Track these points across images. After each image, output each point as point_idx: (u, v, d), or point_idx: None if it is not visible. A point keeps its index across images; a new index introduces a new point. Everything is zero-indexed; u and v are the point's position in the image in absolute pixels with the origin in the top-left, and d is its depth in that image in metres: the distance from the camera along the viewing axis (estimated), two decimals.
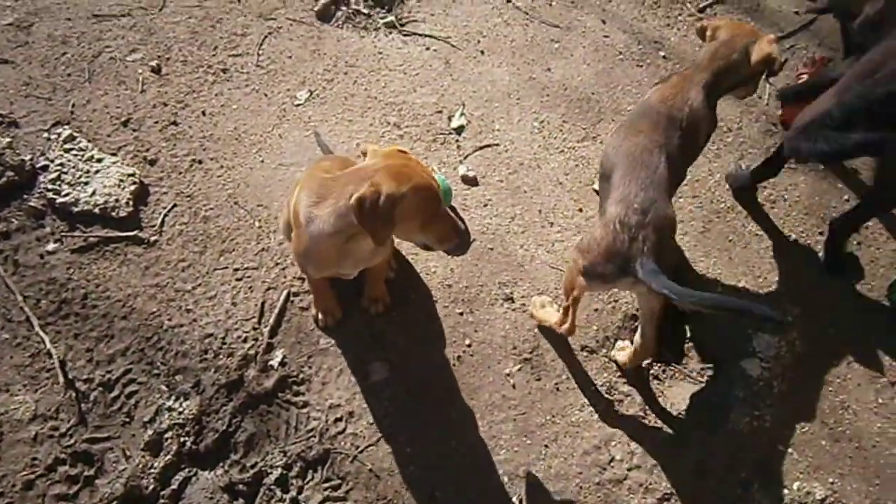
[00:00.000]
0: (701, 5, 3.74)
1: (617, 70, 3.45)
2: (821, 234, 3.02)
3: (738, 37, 2.52)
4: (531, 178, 3.08)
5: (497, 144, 3.15)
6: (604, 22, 3.57)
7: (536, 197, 3.04)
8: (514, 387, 2.63)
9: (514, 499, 2.44)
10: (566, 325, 2.55)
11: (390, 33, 3.44)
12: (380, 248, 2.33)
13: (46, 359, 2.53)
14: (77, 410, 2.45)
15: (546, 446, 2.53)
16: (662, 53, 3.54)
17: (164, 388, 2.53)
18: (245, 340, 2.65)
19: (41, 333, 2.55)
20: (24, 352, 2.54)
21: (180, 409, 2.50)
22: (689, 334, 2.85)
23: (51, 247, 2.73)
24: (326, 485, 2.43)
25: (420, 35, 3.42)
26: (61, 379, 2.49)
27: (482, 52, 3.39)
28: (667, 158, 2.35)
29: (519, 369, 2.67)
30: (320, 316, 2.69)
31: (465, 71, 3.33)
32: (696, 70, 2.52)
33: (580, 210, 3.01)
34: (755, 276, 2.93)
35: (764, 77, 2.60)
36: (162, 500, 2.34)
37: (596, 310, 2.80)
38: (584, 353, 2.71)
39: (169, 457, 2.41)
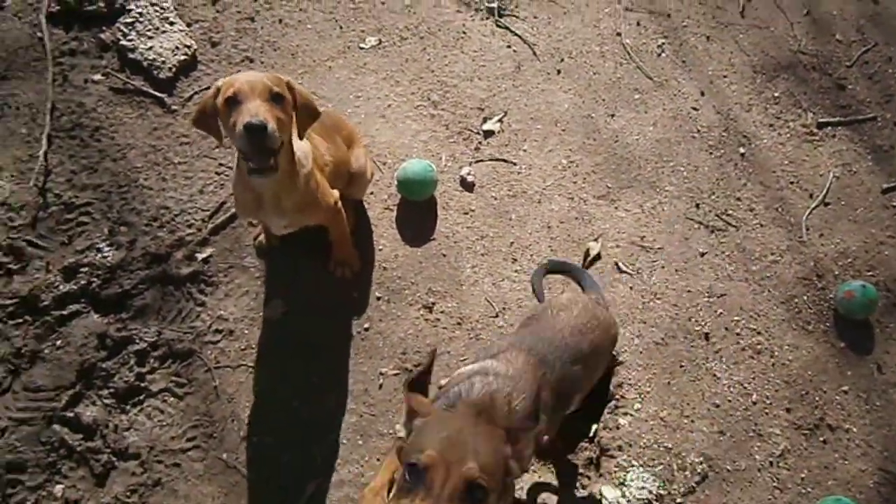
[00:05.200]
0: (821, 120, 3.23)
1: (681, 146, 3.11)
2: None
3: None
4: (524, 210, 2.92)
5: (514, 164, 3.00)
6: (702, 93, 3.20)
7: (517, 229, 2.88)
8: (380, 387, 2.59)
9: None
10: None
11: (487, 18, 3.35)
12: (304, 204, 2.31)
13: (39, 162, 2.88)
14: (35, 214, 2.79)
15: (378, 459, 2.49)
16: (742, 151, 3.13)
17: (106, 231, 2.79)
18: (190, 226, 2.83)
19: (44, 141, 2.90)
20: (27, 148, 2.90)
21: (105, 255, 2.76)
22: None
23: (97, 77, 3.07)
24: (175, 378, 2.58)
25: (511, 31, 3.31)
26: (39, 184, 2.84)
27: (558, 72, 3.21)
28: None
29: (395, 374, 2.62)
30: (261, 237, 2.80)
31: (530, 82, 3.18)
32: None
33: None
34: None
35: None
36: (48, 317, 2.62)
37: None
38: None
39: (74, 287, 2.69)
